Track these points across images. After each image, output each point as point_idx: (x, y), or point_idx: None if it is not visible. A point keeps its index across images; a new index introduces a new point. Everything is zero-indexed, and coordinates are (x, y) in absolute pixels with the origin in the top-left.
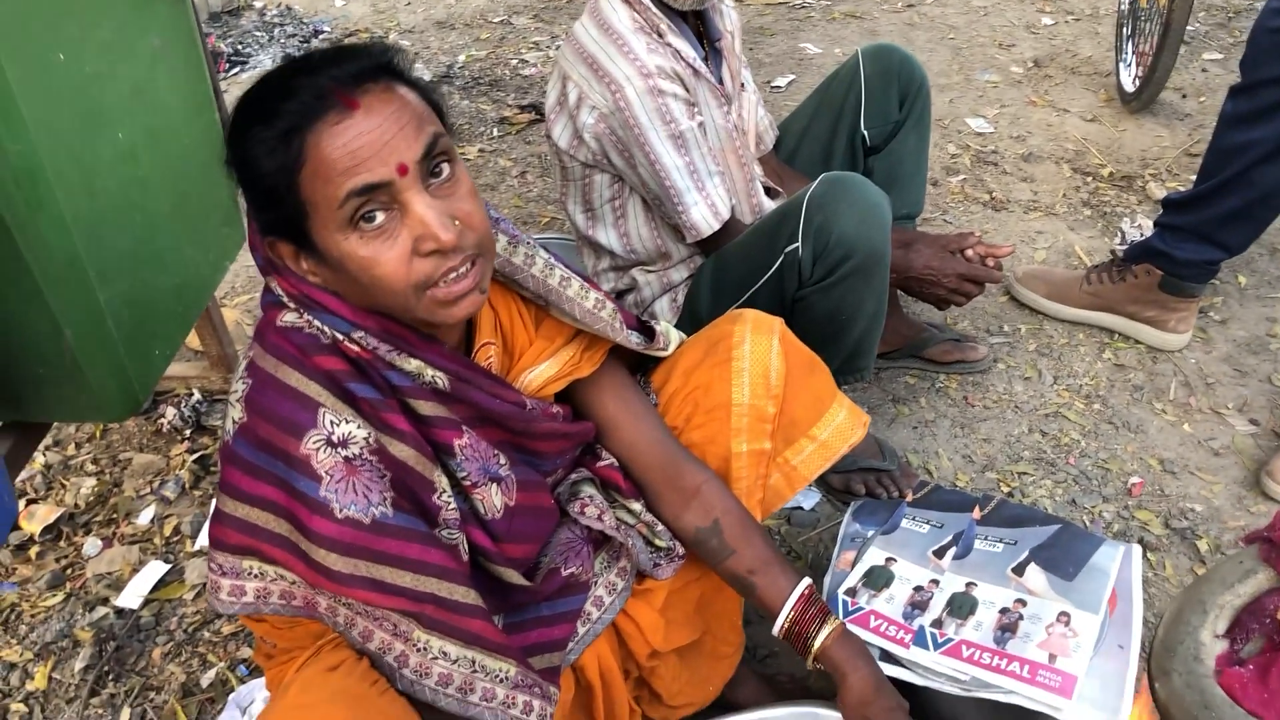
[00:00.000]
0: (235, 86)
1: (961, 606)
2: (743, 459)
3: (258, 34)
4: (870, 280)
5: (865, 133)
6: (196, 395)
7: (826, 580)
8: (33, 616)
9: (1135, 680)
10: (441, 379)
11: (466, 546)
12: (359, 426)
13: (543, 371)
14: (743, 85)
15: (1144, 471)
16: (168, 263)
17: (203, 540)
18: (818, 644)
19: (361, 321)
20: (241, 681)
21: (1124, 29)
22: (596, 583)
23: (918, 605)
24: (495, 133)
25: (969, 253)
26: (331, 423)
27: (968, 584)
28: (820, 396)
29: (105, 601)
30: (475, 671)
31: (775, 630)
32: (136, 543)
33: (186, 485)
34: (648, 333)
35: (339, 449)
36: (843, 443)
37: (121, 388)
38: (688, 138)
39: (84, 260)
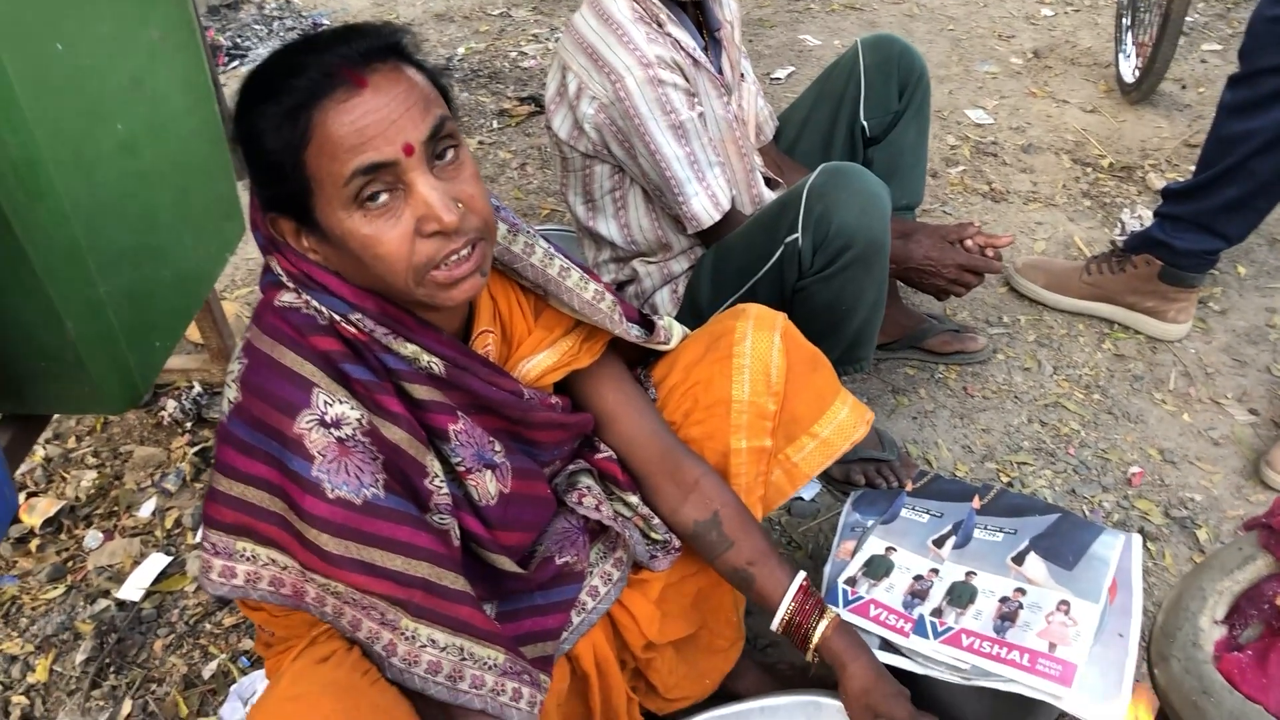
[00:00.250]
0: (234, 80)
1: (961, 595)
2: (742, 455)
3: (256, 27)
4: (870, 270)
5: (865, 123)
6: (197, 388)
7: (826, 569)
8: (33, 609)
9: (1135, 668)
10: (437, 364)
11: (458, 532)
12: (352, 408)
13: (541, 361)
14: (742, 76)
15: (1144, 461)
16: (168, 255)
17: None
18: (817, 635)
19: (360, 303)
20: (243, 673)
21: (1123, 20)
22: (592, 572)
23: (917, 594)
24: (495, 125)
25: (968, 243)
26: (325, 403)
27: (967, 573)
28: (822, 394)
29: (106, 594)
30: (464, 659)
31: (774, 624)
32: (137, 535)
33: (187, 478)
34: (648, 326)
35: (332, 429)
36: (845, 440)
37: (122, 380)
38: (688, 128)
39: (84, 252)
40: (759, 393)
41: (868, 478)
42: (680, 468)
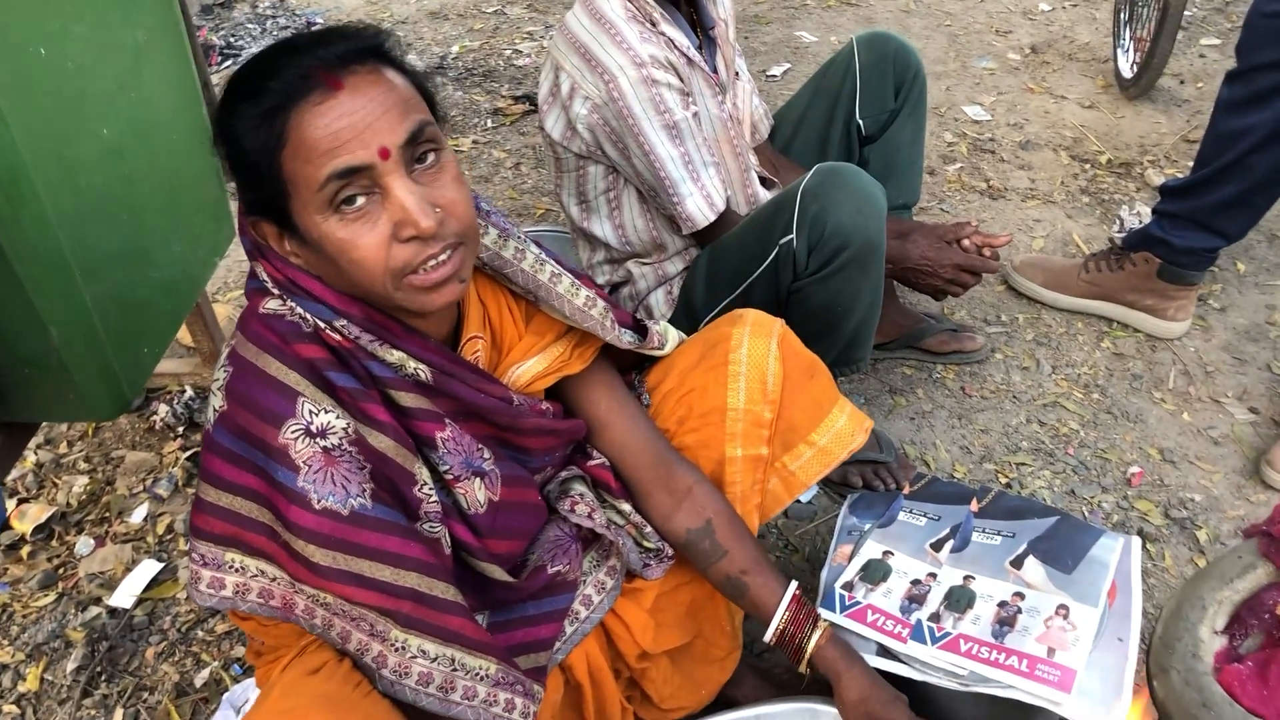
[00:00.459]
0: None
1: (959, 600)
2: (738, 464)
3: (250, 26)
4: (866, 271)
5: (860, 122)
6: (189, 392)
7: (823, 574)
8: (24, 617)
9: (1134, 673)
10: (424, 371)
11: (449, 541)
12: (338, 417)
13: (531, 367)
14: (737, 74)
15: (1143, 461)
16: (155, 259)
17: None
18: (811, 645)
19: (345, 309)
20: (235, 681)
21: (1121, 15)
22: (585, 581)
23: (915, 599)
24: (489, 124)
25: (965, 242)
26: (310, 412)
27: (965, 577)
28: (820, 401)
29: (98, 601)
30: (455, 670)
31: (768, 635)
32: (129, 541)
33: (179, 483)
34: (641, 331)
35: (318, 439)
36: (843, 448)
37: (109, 387)
38: (682, 128)
39: (68, 257)
40: (755, 400)
41: (865, 480)
42: (673, 475)
